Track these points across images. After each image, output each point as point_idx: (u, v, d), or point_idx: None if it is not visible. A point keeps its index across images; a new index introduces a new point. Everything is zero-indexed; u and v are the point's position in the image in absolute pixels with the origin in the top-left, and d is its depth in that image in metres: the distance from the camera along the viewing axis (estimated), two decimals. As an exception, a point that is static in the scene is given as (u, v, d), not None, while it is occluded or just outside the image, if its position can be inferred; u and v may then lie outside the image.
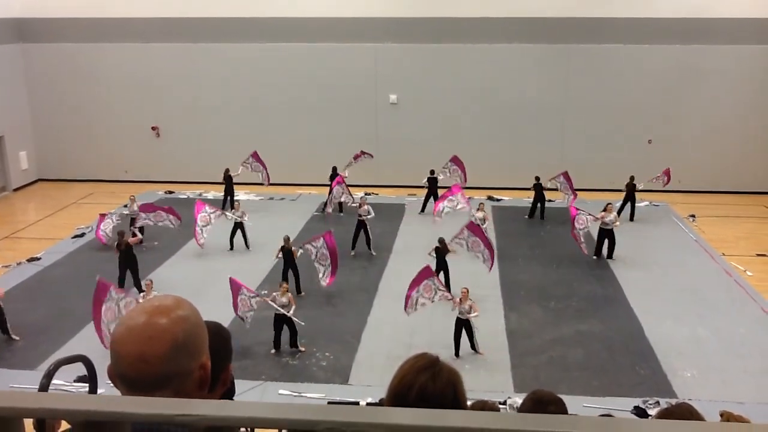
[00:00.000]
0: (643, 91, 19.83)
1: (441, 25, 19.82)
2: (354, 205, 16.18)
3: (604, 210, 15.18)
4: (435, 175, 18.14)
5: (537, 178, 17.69)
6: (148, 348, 1.63)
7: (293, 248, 13.29)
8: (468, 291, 11.18)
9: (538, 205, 17.88)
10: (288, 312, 10.99)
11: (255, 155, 18.36)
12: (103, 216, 15.97)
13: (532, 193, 17.98)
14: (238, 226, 15.63)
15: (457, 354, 10.92)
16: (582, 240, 14.85)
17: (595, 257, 15.11)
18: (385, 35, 20.08)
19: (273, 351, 11.11)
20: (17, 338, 11.52)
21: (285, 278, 12.71)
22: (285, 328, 11.13)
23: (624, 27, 19.48)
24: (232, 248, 15.61)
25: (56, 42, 20.93)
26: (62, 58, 20.99)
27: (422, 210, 18.04)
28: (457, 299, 11.04)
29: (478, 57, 19.98)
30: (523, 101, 20.12)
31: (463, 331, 11.00)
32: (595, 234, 15.33)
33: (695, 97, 19.78)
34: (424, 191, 18.50)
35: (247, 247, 15.64)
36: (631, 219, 17.55)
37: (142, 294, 11.92)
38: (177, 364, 1.66)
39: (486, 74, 20.06)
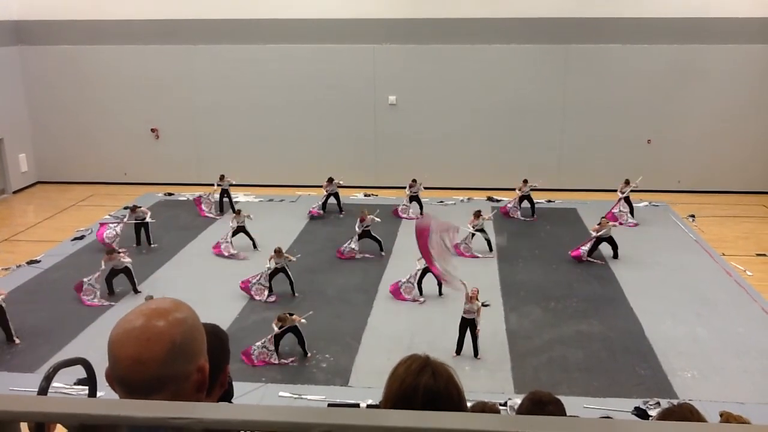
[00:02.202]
0: (642, 91, 19.83)
1: (440, 26, 19.83)
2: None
3: (599, 224, 15.18)
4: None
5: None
6: (145, 350, 1.63)
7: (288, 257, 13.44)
8: (478, 291, 11.15)
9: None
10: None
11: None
12: (103, 225, 15.95)
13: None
14: (240, 228, 15.68)
15: (458, 352, 10.92)
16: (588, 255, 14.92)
17: (589, 260, 15.08)
18: (384, 36, 20.08)
19: (276, 361, 11.00)
20: (18, 341, 11.50)
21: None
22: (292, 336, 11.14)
23: (622, 27, 19.47)
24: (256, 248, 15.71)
25: (55, 44, 20.93)
26: (61, 61, 21.00)
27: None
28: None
29: (476, 57, 19.98)
30: (522, 102, 20.12)
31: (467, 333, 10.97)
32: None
33: (694, 96, 19.77)
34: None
35: (255, 247, 15.61)
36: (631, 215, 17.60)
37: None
38: (174, 367, 1.66)
39: (485, 75, 20.07)
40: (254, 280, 13.27)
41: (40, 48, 21.02)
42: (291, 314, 11.11)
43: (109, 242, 15.14)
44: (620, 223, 16.79)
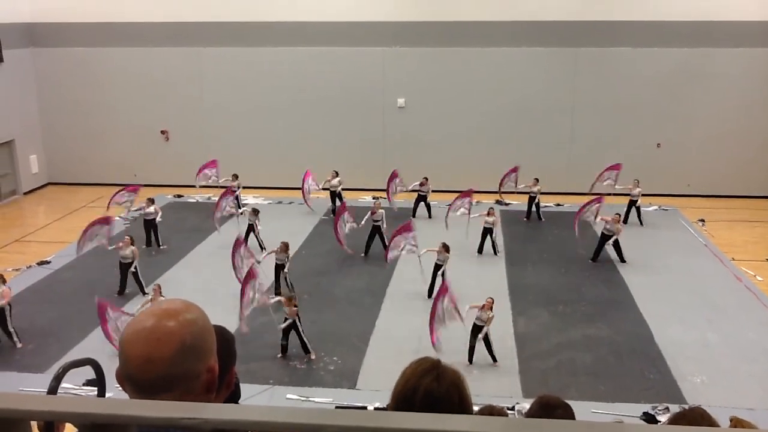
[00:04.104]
0: (652, 94, 19.76)
1: (448, 28, 19.83)
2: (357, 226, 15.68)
3: (610, 218, 15.17)
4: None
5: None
6: (155, 350, 1.63)
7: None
8: (493, 301, 11.06)
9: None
10: (283, 324, 11.01)
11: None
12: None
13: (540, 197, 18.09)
14: (250, 228, 15.70)
15: (470, 360, 10.86)
16: (578, 228, 15.48)
17: (591, 261, 15.12)
18: (393, 39, 20.10)
19: (279, 355, 11.10)
20: (20, 345, 11.38)
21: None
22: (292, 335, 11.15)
23: (631, 30, 19.43)
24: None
25: (66, 46, 21.07)
26: (72, 63, 21.12)
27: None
28: (479, 305, 11.00)
29: (485, 60, 19.97)
30: (531, 104, 20.09)
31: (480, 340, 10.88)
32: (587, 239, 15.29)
33: (704, 100, 19.69)
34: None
35: (262, 249, 15.56)
36: (640, 224, 17.48)
37: (148, 297, 11.95)
38: (184, 367, 1.66)
39: (493, 77, 20.05)
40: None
41: (52, 50, 21.16)
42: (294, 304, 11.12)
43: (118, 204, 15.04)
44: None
